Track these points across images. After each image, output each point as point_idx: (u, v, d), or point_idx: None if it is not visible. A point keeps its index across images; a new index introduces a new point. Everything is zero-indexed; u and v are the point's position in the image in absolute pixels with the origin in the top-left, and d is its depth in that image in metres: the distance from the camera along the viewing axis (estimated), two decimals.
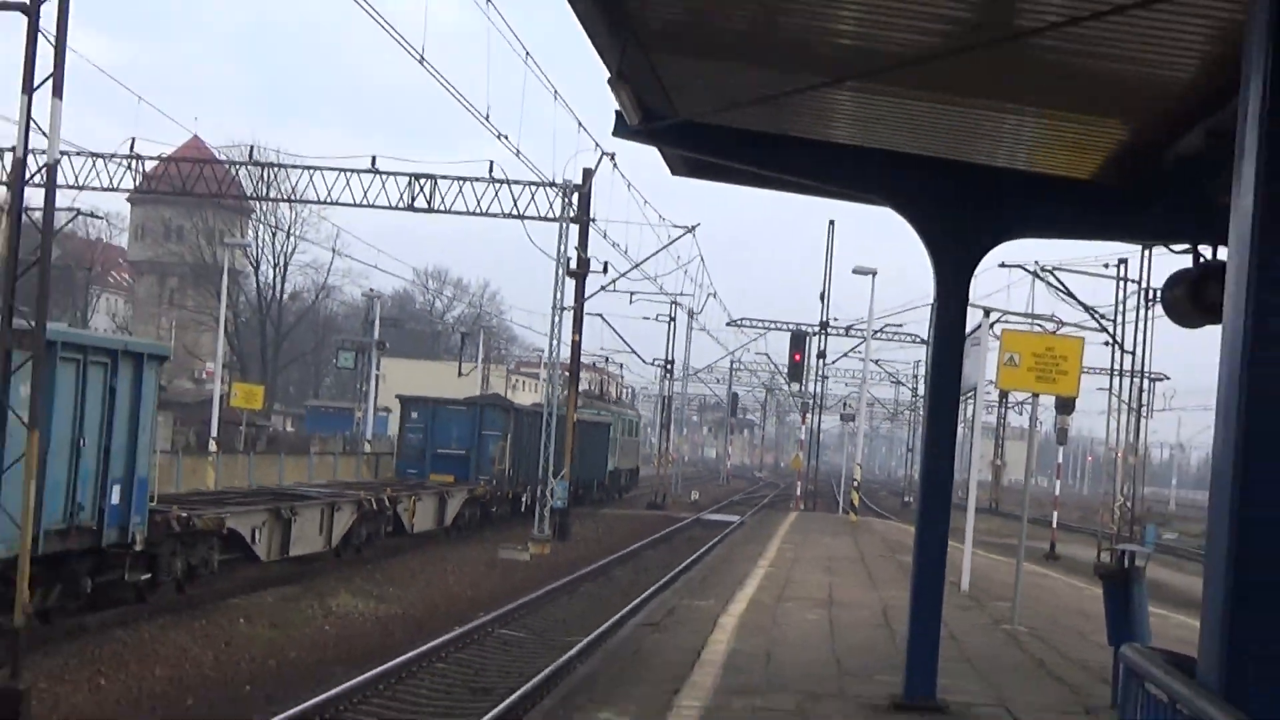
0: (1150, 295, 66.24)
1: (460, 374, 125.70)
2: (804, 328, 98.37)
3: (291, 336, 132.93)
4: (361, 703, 26.94)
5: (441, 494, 65.61)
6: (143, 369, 34.75)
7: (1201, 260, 20.99)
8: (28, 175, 24.91)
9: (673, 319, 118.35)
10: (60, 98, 24.29)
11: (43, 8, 23.79)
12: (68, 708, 24.88)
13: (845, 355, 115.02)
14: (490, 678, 30.59)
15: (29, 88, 24.11)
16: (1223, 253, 19.85)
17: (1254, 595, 7.75)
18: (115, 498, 33.00)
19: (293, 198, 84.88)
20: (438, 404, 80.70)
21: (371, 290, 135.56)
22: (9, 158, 24.99)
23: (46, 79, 24.07)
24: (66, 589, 31.69)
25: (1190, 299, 20.13)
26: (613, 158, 68.93)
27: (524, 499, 67.70)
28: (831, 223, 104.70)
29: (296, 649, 33.25)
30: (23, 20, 23.89)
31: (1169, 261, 25.04)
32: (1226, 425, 7.85)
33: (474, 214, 69.56)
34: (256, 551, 43.23)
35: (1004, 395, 59.08)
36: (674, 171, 25.94)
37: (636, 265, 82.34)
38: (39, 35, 23.90)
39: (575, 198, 68.02)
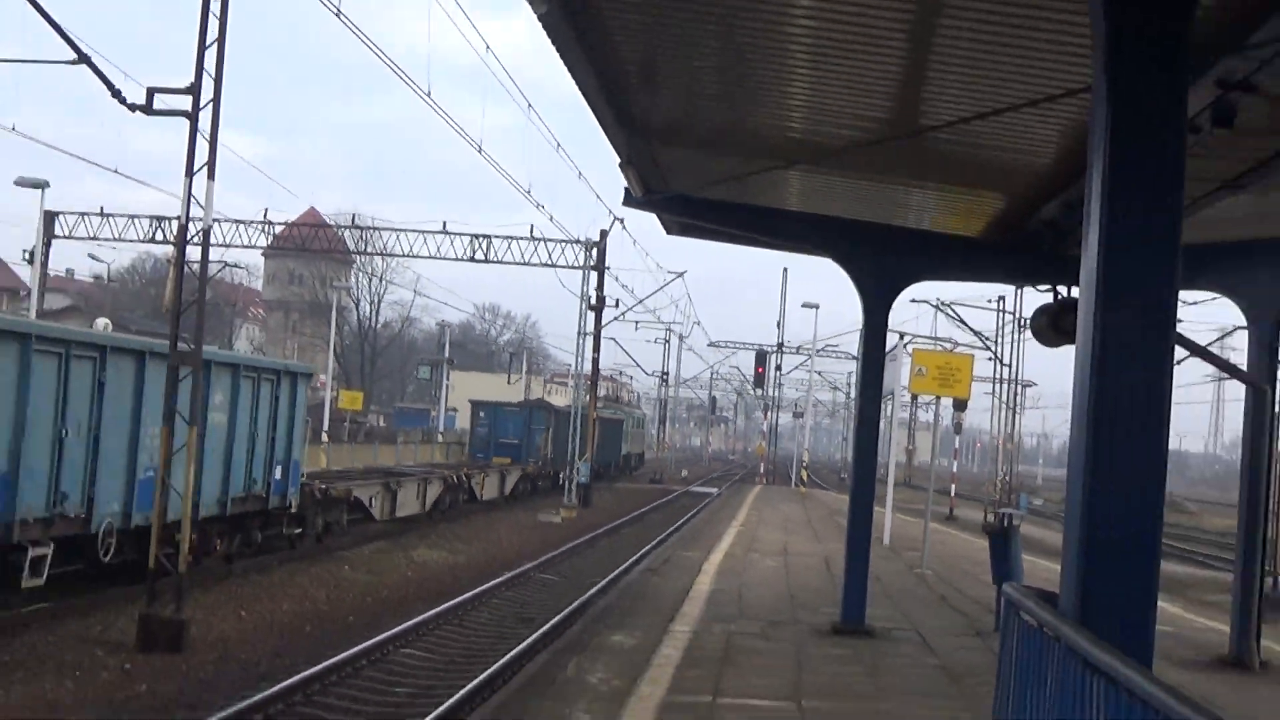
0: (1021, 323, 66.57)
1: (509, 383, 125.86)
2: (765, 348, 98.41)
3: (383, 355, 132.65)
4: (436, 629, 26.95)
5: (502, 472, 68.08)
6: (296, 383, 37.48)
7: (1059, 297, 21.08)
8: (189, 237, 24.92)
9: (667, 341, 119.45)
10: (213, 179, 24.31)
11: (200, 114, 23.85)
12: (217, 634, 24.85)
13: (796, 368, 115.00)
14: (532, 610, 30.56)
15: (190, 172, 24.12)
16: (1075, 291, 19.92)
17: (1099, 546, 7.79)
18: (278, 474, 35.43)
19: (384, 252, 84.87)
20: (499, 406, 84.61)
21: (442, 321, 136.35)
22: (175, 224, 25.02)
23: (203, 166, 24.09)
24: (244, 539, 34.18)
25: (1051, 326, 20.22)
26: (622, 221, 69.57)
27: (560, 476, 68.09)
28: (785, 270, 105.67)
29: (387, 589, 33.25)
30: (185, 123, 23.94)
31: (1035, 298, 25.15)
32: (1080, 419, 7.90)
33: (519, 264, 70.03)
34: (373, 513, 45.64)
35: (915, 397, 59.25)
36: (668, 231, 26.02)
37: (640, 301, 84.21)
38: (198, 134, 23.96)
39: (594, 251, 68.18)
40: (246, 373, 33.42)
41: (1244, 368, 22.26)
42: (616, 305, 75.08)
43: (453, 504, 56.83)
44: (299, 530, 37.86)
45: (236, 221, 71.56)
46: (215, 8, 23.73)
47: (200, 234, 24.84)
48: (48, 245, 65.88)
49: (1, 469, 22.46)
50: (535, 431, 78.23)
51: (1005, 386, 75.45)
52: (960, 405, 58.15)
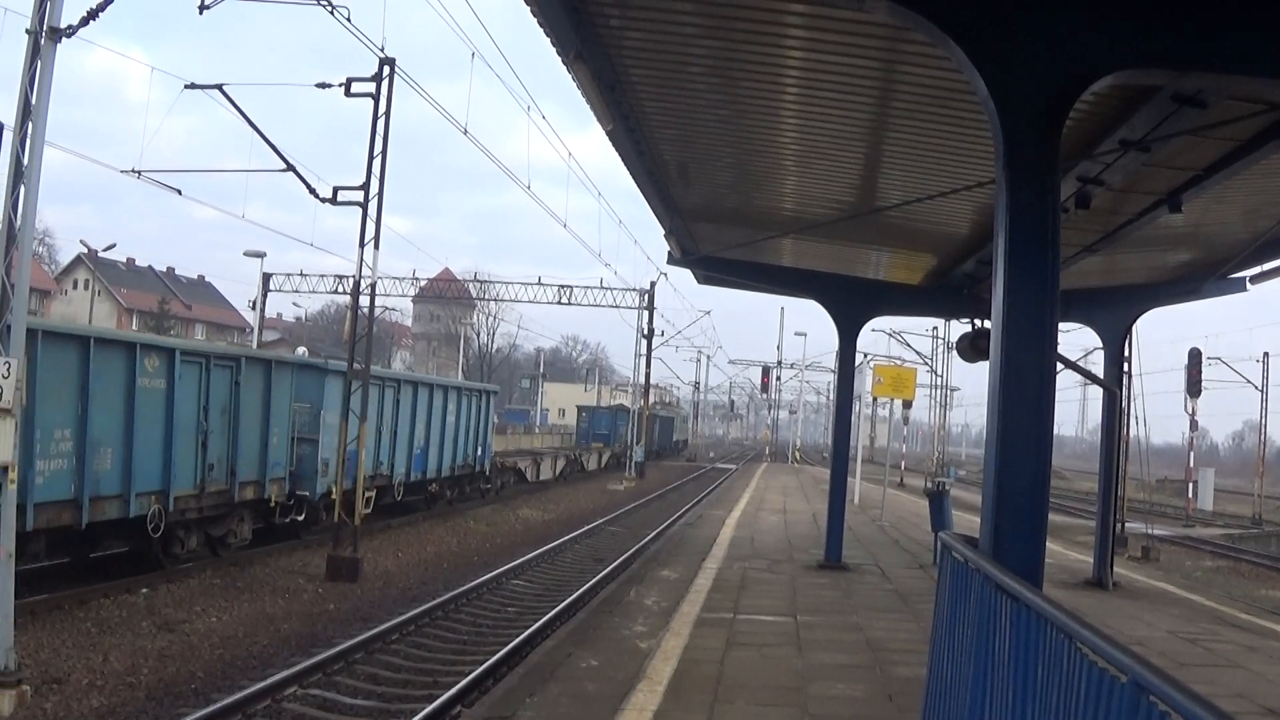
0: (949, 345, 66.59)
1: (585, 391, 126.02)
2: (769, 364, 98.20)
3: (496, 372, 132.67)
4: (536, 566, 27.04)
5: (598, 452, 73.24)
6: (490, 398, 43.88)
7: (975, 326, 21.15)
8: (361, 289, 25.07)
9: (698, 360, 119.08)
10: (377, 249, 24.48)
11: (369, 204, 24.01)
12: (381, 569, 25.00)
13: (791, 379, 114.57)
14: (603, 552, 30.58)
15: (362, 244, 24.28)
16: (987, 322, 20.00)
17: (1006, 502, 7.81)
18: (479, 451, 41.77)
19: (497, 299, 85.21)
20: (595, 408, 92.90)
21: (538, 347, 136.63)
22: (351, 281, 25.23)
23: (371, 239, 24.25)
24: (459, 492, 40.15)
25: (970, 347, 20.32)
26: (665, 275, 70.77)
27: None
28: (782, 308, 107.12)
29: (501, 537, 33.33)
30: (359, 209, 24.11)
31: (959, 327, 25.19)
32: (993, 412, 7.93)
33: (592, 306, 70.24)
34: (527, 478, 51.87)
35: (875, 399, 59.22)
36: (699, 281, 26.08)
37: (679, 332, 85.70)
38: (367, 217, 24.13)
39: (646, 297, 68.31)
40: (465, 392, 40.67)
41: (1101, 376, 22.60)
42: (662, 334, 75.62)
43: (568, 474, 61.11)
44: (488, 486, 44.20)
45: (394, 278, 72.20)
46: (380, 129, 23.95)
47: (369, 287, 25.03)
48: (264, 297, 66.45)
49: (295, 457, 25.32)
50: (618, 425, 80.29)
51: (938, 390, 75.30)
52: (907, 404, 58.14)
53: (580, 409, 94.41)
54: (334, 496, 25.05)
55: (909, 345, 73.32)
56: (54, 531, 18.37)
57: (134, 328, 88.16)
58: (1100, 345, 22.80)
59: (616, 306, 69.94)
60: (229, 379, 23.27)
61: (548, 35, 10.83)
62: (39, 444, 17.48)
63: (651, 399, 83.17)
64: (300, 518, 26.83)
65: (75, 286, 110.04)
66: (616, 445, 76.81)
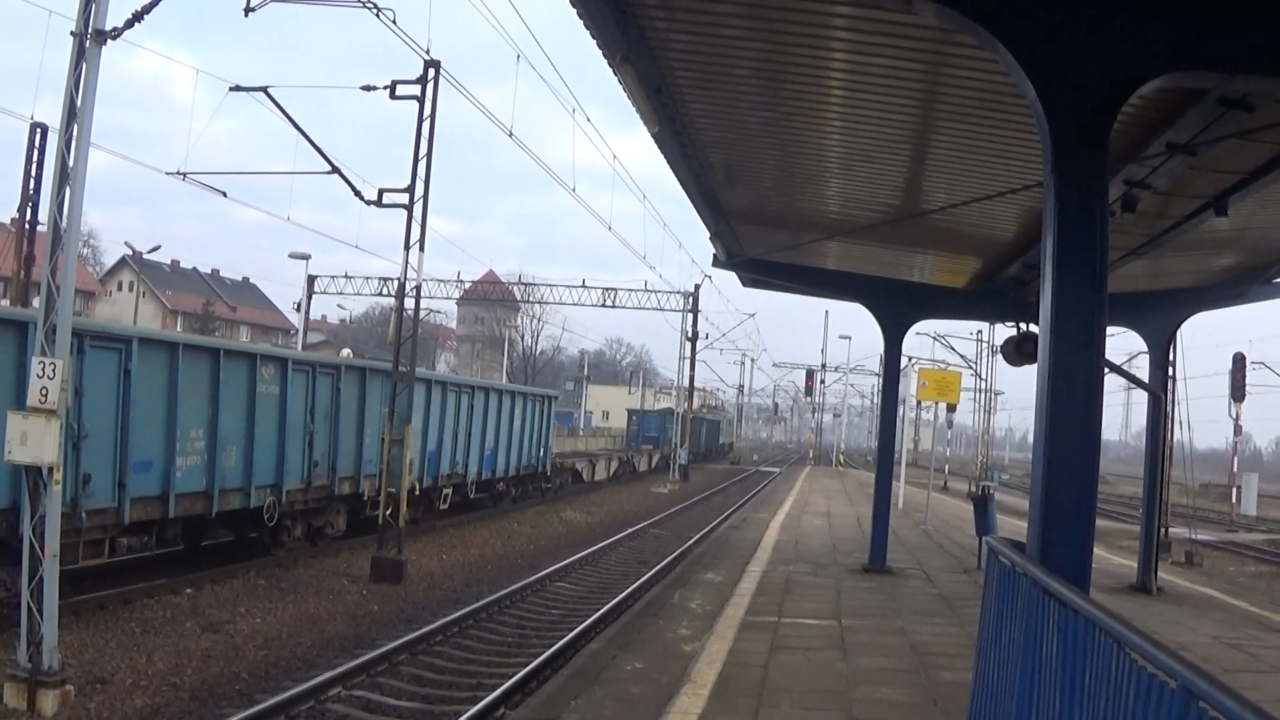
0: (993, 349, 66.24)
1: (629, 393, 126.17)
2: (813, 367, 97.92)
3: (540, 374, 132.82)
4: (579, 568, 27.07)
5: (648, 454, 74.90)
6: (550, 402, 45.79)
7: (1020, 330, 21.08)
8: (406, 291, 25.18)
9: (742, 363, 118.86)
10: (422, 251, 24.58)
11: (414, 206, 24.11)
12: (425, 570, 25.08)
13: (835, 382, 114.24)
14: (647, 554, 30.58)
15: (407, 246, 24.37)
16: (1032, 326, 19.98)
17: (1054, 508, 7.79)
18: (541, 452, 43.97)
19: (541, 301, 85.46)
20: (644, 412, 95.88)
21: (582, 349, 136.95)
22: (396, 283, 25.42)
23: (416, 242, 24.34)
24: (521, 490, 42.24)
25: (1015, 351, 20.23)
26: (710, 278, 70.43)
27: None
28: (826, 311, 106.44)
29: (545, 539, 33.36)
30: (404, 212, 24.22)
31: (1004, 331, 25.16)
32: (1041, 416, 7.91)
33: (637, 308, 70.16)
34: (584, 477, 54.13)
35: (919, 402, 58.88)
36: (744, 284, 26.01)
37: (724, 335, 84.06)
38: (412, 220, 24.23)
39: (690, 299, 68.23)
40: (530, 397, 42.46)
41: (1145, 380, 22.50)
42: (706, 338, 75.13)
43: (620, 475, 62.94)
44: (548, 485, 46.27)
45: (438, 280, 72.35)
46: (425, 132, 24.04)
47: (413, 289, 25.12)
48: (309, 299, 66.84)
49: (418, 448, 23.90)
50: (667, 427, 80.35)
51: (982, 394, 74.95)
52: (951, 408, 57.98)
53: (630, 412, 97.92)
54: (402, 493, 24.91)
55: (953, 349, 73.22)
56: (189, 519, 20.86)
57: (178, 329, 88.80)
58: (1145, 349, 22.70)
59: (661, 309, 69.93)
60: (331, 385, 25.66)
61: (594, 38, 10.88)
62: (179, 442, 19.84)
63: (698, 402, 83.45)
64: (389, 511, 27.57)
65: (120, 288, 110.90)
66: (665, 447, 76.95)
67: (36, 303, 14.08)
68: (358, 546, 26.19)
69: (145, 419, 18.91)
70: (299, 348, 59.24)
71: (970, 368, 69.81)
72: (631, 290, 70.25)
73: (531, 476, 43.36)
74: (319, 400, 24.83)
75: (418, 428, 28.69)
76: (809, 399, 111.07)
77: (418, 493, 28.87)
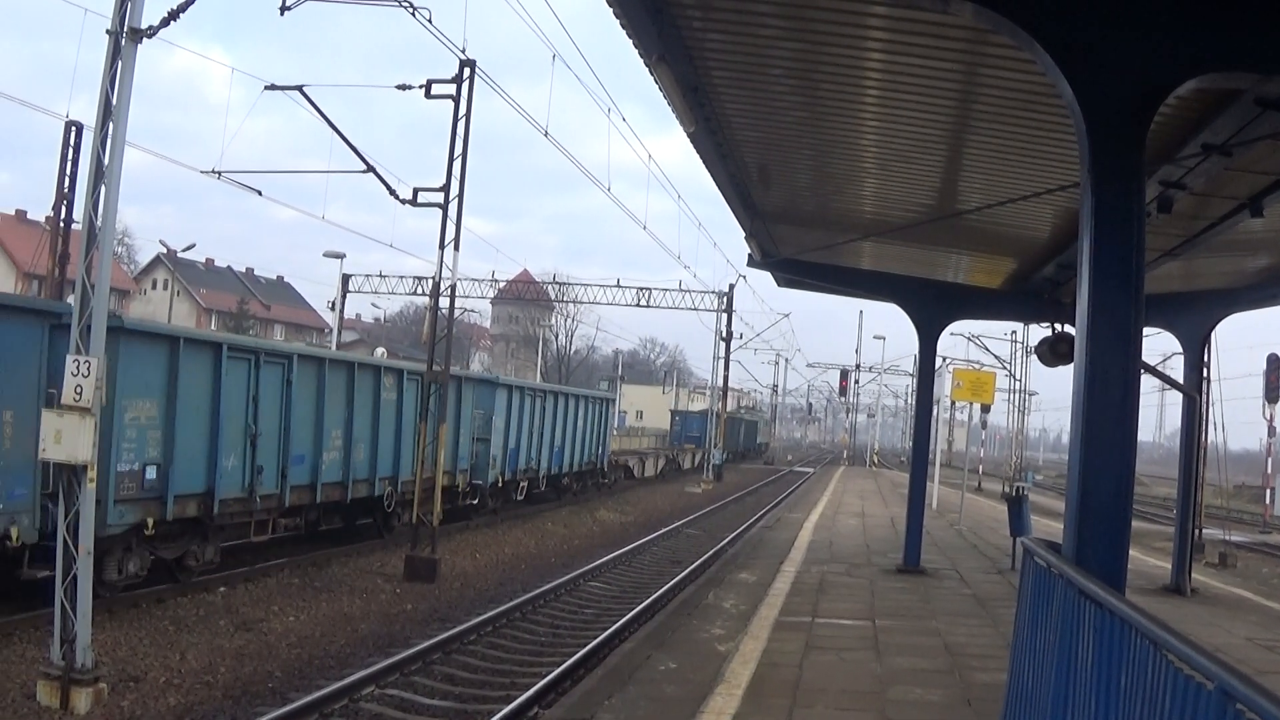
0: (1027, 349, 66.07)
1: (663, 393, 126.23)
2: (847, 367, 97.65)
3: (574, 374, 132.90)
4: (613, 568, 27.11)
5: (691, 452, 77.01)
6: (610, 404, 50.85)
7: (1054, 331, 21.04)
8: (441, 291, 25.27)
9: (776, 363, 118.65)
10: (457, 251, 24.64)
11: (449, 205, 24.18)
12: (459, 569, 25.18)
13: (869, 382, 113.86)
14: (681, 554, 30.60)
15: (442, 245, 24.46)
16: (1067, 327, 19.98)
17: (1090, 509, 7.79)
18: (601, 450, 48.17)
19: (575, 300, 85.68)
20: (687, 413, 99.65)
21: (616, 349, 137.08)
22: (431, 282, 25.57)
23: (451, 241, 24.40)
24: (580, 486, 45.87)
25: (1050, 352, 20.26)
26: (745, 277, 70.54)
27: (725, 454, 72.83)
28: (861, 311, 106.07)
29: (578, 539, 33.44)
30: (439, 211, 24.29)
31: (1038, 332, 25.15)
32: (1077, 417, 7.90)
33: (671, 308, 70.03)
34: (635, 474, 58.30)
35: (954, 403, 58.44)
36: (779, 284, 26.05)
37: (758, 335, 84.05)
38: (447, 219, 24.29)
39: (725, 299, 68.15)
40: (592, 400, 47.13)
41: (1180, 381, 22.42)
42: (740, 337, 75.02)
43: (666, 472, 66.81)
44: (606, 480, 50.04)
45: (473, 279, 72.55)
46: (460, 131, 24.12)
47: (448, 289, 25.20)
48: (344, 298, 67.10)
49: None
50: (709, 427, 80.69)
51: (1016, 395, 74.71)
52: (985, 408, 57.86)
53: (673, 413, 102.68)
54: (436, 490, 25.06)
55: (987, 349, 73.02)
56: (328, 504, 24.66)
57: (213, 328, 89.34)
58: (1180, 350, 22.63)
59: (695, 309, 69.85)
60: (435, 392, 27.85)
61: (630, 38, 10.92)
62: (324, 440, 23.69)
63: (736, 403, 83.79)
64: (474, 501, 33.17)
65: (154, 286, 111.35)
66: (702, 448, 78.14)
67: (71, 300, 14.13)
68: (391, 546, 26.31)
69: (301, 421, 22.80)
70: (333, 347, 59.75)
71: (1004, 368, 69.65)
72: (666, 290, 70.25)
73: (591, 472, 47.50)
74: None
75: (499, 427, 34.34)
76: (843, 399, 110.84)
77: (500, 484, 34.71)
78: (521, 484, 37.29)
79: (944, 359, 57.43)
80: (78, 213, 22.78)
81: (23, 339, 15.75)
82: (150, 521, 18.35)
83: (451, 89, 24.12)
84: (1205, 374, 23.97)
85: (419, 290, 70.20)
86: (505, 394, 35.10)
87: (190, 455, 19.27)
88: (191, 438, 19.30)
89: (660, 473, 65.07)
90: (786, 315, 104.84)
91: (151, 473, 18.37)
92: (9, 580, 16.23)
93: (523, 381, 44.08)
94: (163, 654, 15.65)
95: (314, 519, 24.61)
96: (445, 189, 24.20)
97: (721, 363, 70.28)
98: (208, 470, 19.78)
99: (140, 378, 18.07)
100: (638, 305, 70.82)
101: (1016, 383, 72.03)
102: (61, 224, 33.57)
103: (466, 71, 24.04)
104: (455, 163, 24.10)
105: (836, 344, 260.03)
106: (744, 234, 21.59)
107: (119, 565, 17.97)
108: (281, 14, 21.82)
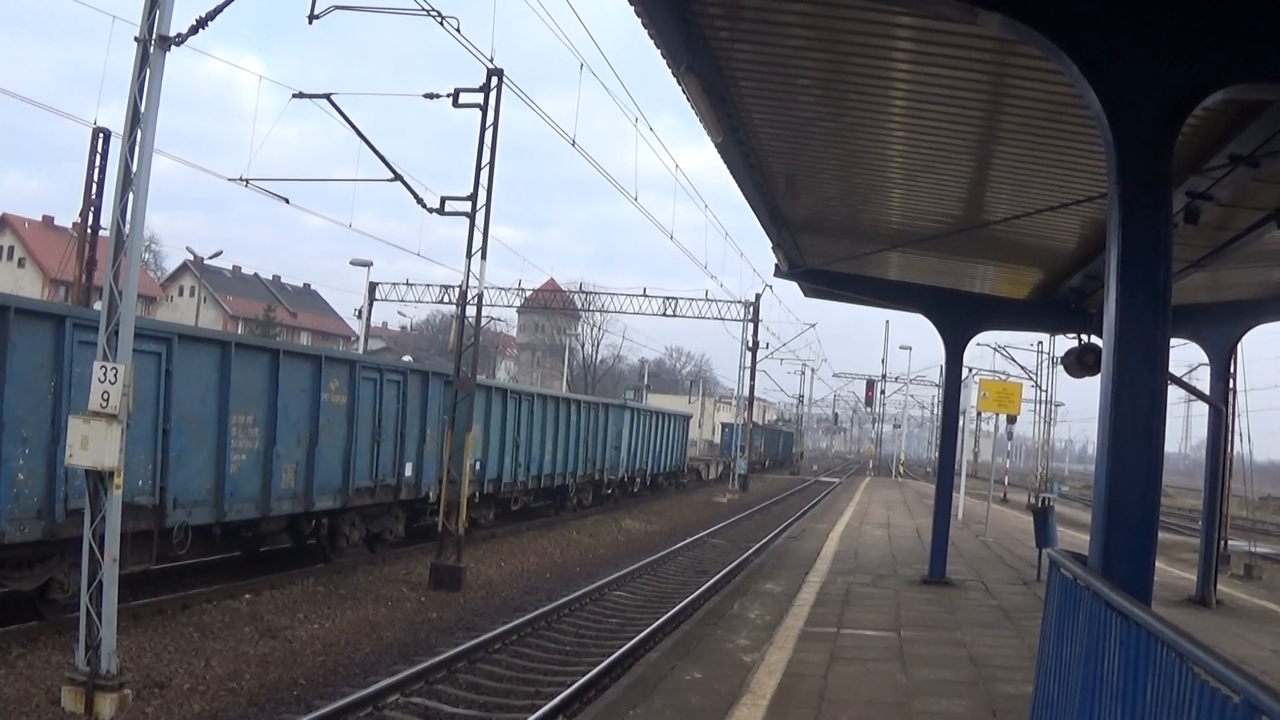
0: (1054, 360, 66.05)
1: (689, 403, 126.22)
2: (873, 378, 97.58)
3: (600, 383, 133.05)
4: (639, 577, 27.07)
5: (727, 462, 74.72)
6: (687, 421, 60.98)
7: (1081, 341, 21.02)
8: (468, 299, 25.30)
9: (803, 373, 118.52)
10: (484, 259, 24.64)
11: (477, 214, 24.23)
12: (484, 578, 25.18)
13: (895, 392, 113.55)
14: (706, 564, 30.53)
15: (469, 254, 24.48)
16: (1094, 338, 19.96)
17: (1116, 521, 7.78)
18: (682, 457, 57.59)
19: (602, 309, 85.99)
20: (733, 425, 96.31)
21: (642, 358, 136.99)
22: (457, 290, 25.62)
23: (478, 250, 24.42)
24: (627, 489, 48.64)
25: (1076, 362, 20.20)
26: (771, 287, 70.81)
27: (766, 463, 79.43)
28: (887, 321, 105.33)
29: (604, 548, 33.39)
30: (467, 220, 24.33)
31: (1064, 342, 25.09)
32: (1104, 428, 7.90)
33: (697, 318, 70.29)
34: (702, 476, 67.46)
35: (980, 413, 58.16)
36: (805, 294, 26.13)
37: (784, 344, 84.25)
38: (475, 228, 24.34)
39: (751, 309, 68.08)
40: (676, 417, 57.12)
41: (1206, 392, 22.40)
42: (767, 347, 75.18)
43: (725, 476, 70.15)
44: (683, 481, 59.76)
45: (500, 288, 72.90)
46: (488, 140, 24.18)
47: (475, 297, 25.24)
48: (371, 305, 67.51)
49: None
50: (755, 439, 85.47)
51: (1042, 405, 74.51)
52: (1011, 419, 57.66)
53: (724, 425, 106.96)
54: (462, 499, 25.18)
55: (1013, 359, 72.99)
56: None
57: (240, 334, 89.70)
58: (1206, 361, 22.61)
59: (721, 319, 69.88)
60: (527, 406, 35.06)
61: (659, 48, 10.96)
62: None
63: (771, 416, 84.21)
64: (609, 491, 42.83)
65: (181, 293, 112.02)
66: (754, 455, 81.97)
67: (98, 307, 14.17)
68: (416, 554, 26.36)
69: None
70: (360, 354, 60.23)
71: (1030, 379, 69.49)
72: (692, 299, 70.40)
73: (676, 473, 58.13)
74: (521, 417, 34.62)
75: (625, 439, 46.25)
76: (869, 409, 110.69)
77: (623, 480, 45.88)
78: (636, 479, 49.44)
79: (970, 369, 57.42)
80: (105, 219, 22.96)
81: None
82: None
83: (479, 98, 24.16)
84: (1231, 385, 23.95)
85: (445, 298, 70.50)
86: (629, 415, 47.81)
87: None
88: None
89: (718, 476, 72.30)
90: (813, 325, 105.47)
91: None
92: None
93: (638, 404, 56.09)
94: (187, 660, 15.68)
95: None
96: (473, 198, 24.26)
97: (747, 372, 70.32)
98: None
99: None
100: (664, 315, 71.04)
101: (1043, 394, 71.86)
102: (89, 230, 33.79)
103: (494, 80, 24.09)
104: (483, 171, 24.15)
105: (863, 354, 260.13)
106: (771, 244, 21.61)
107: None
108: (310, 22, 21.84)
